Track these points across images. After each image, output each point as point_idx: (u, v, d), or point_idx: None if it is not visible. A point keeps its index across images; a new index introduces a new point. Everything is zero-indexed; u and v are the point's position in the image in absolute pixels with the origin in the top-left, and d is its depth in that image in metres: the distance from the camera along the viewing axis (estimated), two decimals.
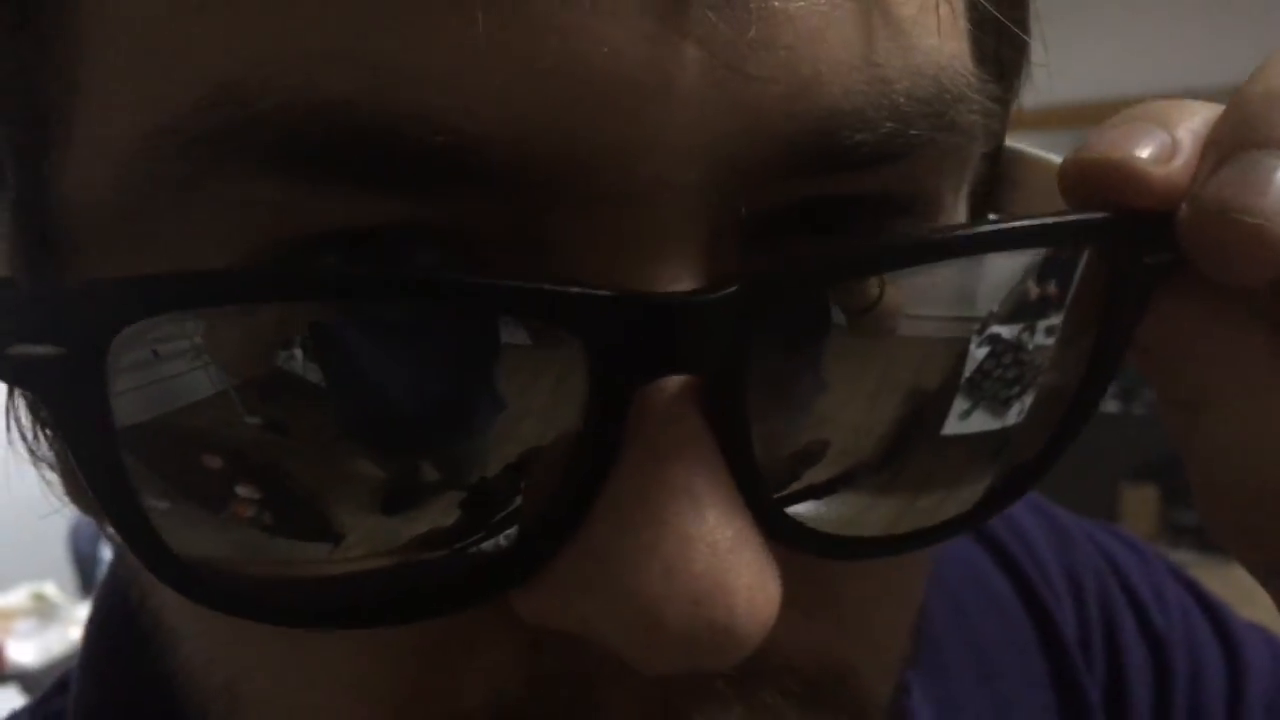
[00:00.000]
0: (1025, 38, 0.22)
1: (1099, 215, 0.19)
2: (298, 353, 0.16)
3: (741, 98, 0.16)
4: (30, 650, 1.95)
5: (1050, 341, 0.19)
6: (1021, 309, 0.19)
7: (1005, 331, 0.19)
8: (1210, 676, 0.37)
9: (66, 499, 0.24)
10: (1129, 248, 0.19)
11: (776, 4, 0.16)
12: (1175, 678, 0.37)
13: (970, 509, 0.20)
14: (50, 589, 2.12)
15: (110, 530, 0.22)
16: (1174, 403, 0.21)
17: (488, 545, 0.17)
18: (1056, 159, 0.24)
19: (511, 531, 0.17)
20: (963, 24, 0.19)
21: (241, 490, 0.17)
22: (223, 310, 0.16)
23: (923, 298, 0.18)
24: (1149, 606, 0.38)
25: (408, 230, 0.17)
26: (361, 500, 0.17)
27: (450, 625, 0.18)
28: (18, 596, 2.08)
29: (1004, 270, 0.19)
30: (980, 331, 0.19)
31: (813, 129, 0.17)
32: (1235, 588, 0.28)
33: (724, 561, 0.16)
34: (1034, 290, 0.19)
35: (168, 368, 0.16)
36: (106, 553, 2.05)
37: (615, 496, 0.17)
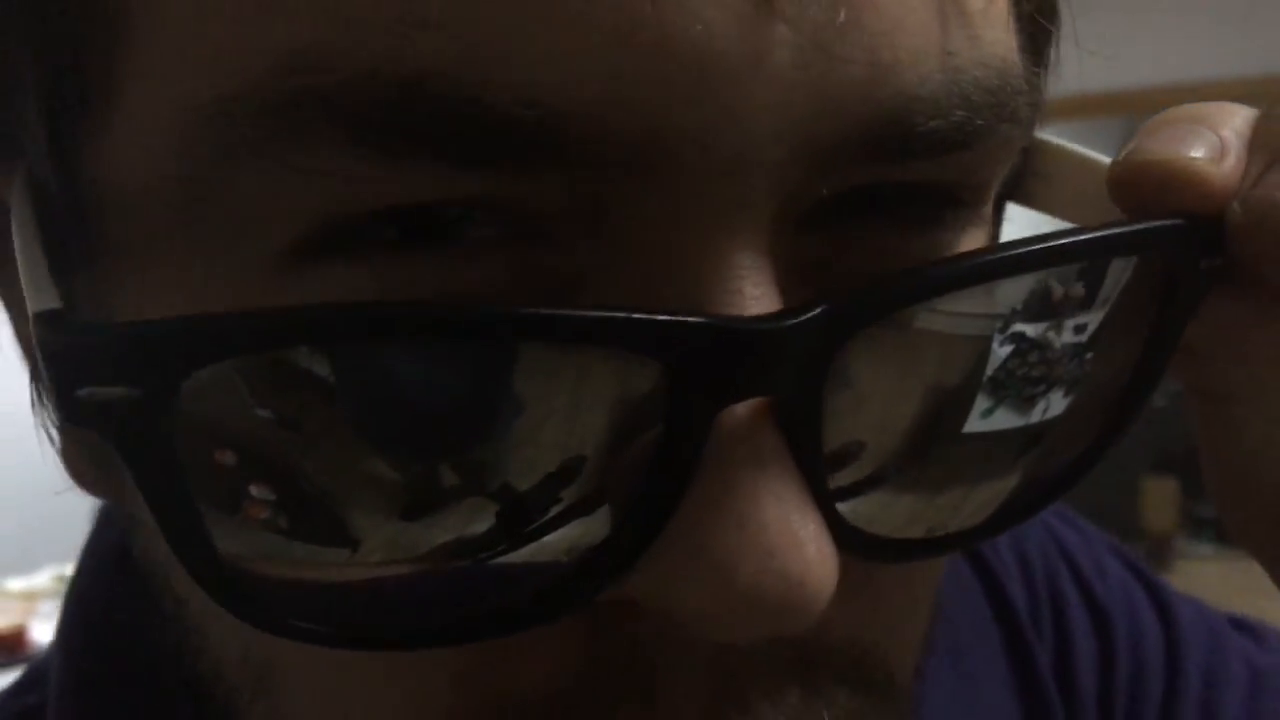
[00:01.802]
0: (1057, 29, 0.22)
1: (1165, 223, 0.19)
2: (376, 384, 0.16)
3: (825, 80, 0.16)
4: (54, 632, 1.97)
5: (1103, 343, 0.20)
6: (1077, 313, 0.19)
7: (1061, 337, 0.19)
8: (1149, 645, 0.39)
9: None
10: (1188, 252, 0.19)
11: None
12: (1117, 646, 0.39)
13: (1015, 508, 0.21)
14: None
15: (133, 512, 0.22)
16: (1206, 395, 0.21)
17: (556, 558, 0.17)
18: (1085, 152, 0.24)
19: (584, 546, 0.17)
20: (1012, 18, 0.20)
21: (315, 525, 0.17)
22: (302, 348, 0.16)
23: (983, 308, 0.18)
24: (1091, 579, 0.40)
25: (467, 205, 0.17)
26: (436, 531, 0.17)
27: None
28: (42, 579, 2.10)
29: (1064, 274, 0.19)
30: (1036, 337, 0.19)
31: (889, 114, 0.17)
32: (1254, 579, 0.28)
33: (793, 516, 0.17)
34: (1092, 294, 0.19)
35: (239, 405, 0.16)
36: None
37: (688, 511, 0.17)
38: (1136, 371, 0.20)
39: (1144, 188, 0.19)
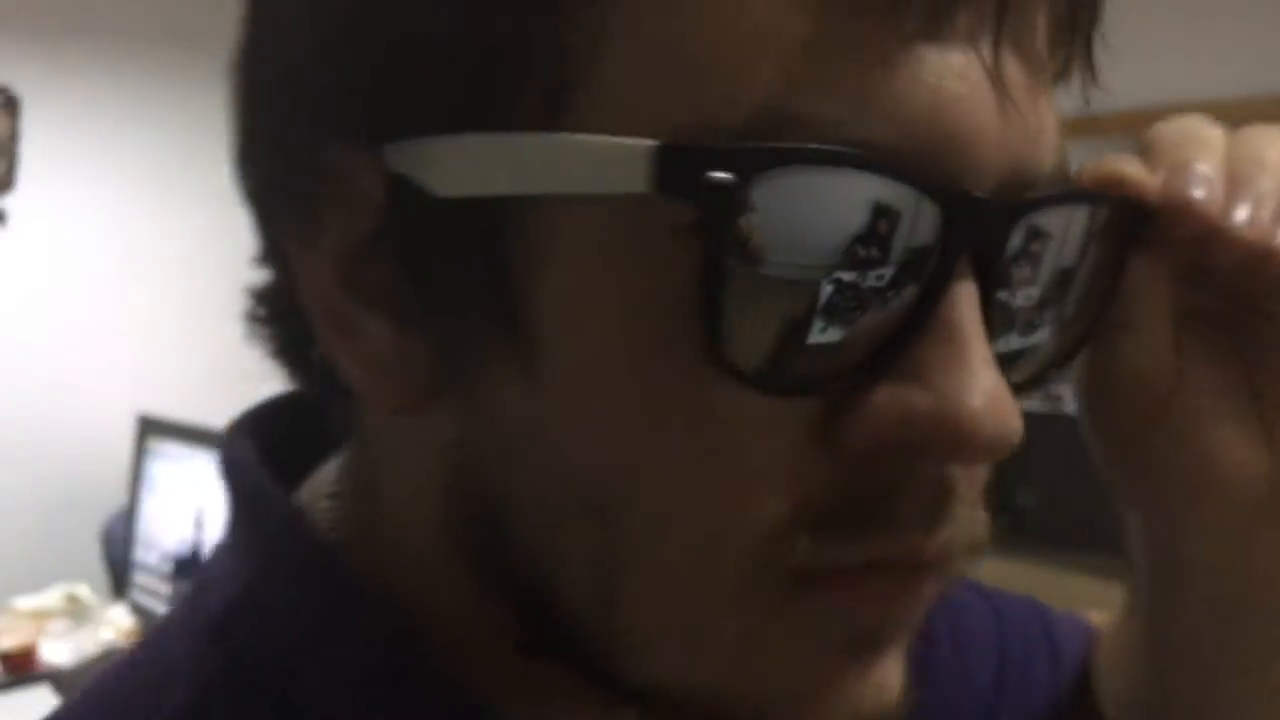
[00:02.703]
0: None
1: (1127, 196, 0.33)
2: (853, 219, 0.25)
3: (1014, 154, 0.27)
4: (64, 650, 1.97)
5: (1100, 256, 0.32)
6: (1095, 240, 0.32)
7: (1088, 252, 0.31)
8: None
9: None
10: (1134, 218, 0.33)
11: (1036, 88, 0.28)
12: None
13: (1058, 363, 0.33)
14: (83, 590, 2.14)
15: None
16: (1111, 325, 0.34)
17: (862, 337, 0.27)
18: None
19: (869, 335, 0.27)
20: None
21: (809, 308, 0.26)
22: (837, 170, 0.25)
23: (1078, 235, 0.31)
24: None
25: None
26: (834, 323, 0.26)
27: (781, 458, 0.27)
28: (51, 597, 2.10)
29: (1096, 226, 0.31)
30: (1083, 249, 0.31)
31: (1030, 182, 0.28)
32: None
33: (1005, 391, 0.27)
34: (1098, 229, 0.32)
35: (799, 200, 0.25)
36: (138, 555, 2.06)
37: (939, 339, 0.27)
38: (1109, 275, 0.33)
39: (1107, 186, 0.32)
